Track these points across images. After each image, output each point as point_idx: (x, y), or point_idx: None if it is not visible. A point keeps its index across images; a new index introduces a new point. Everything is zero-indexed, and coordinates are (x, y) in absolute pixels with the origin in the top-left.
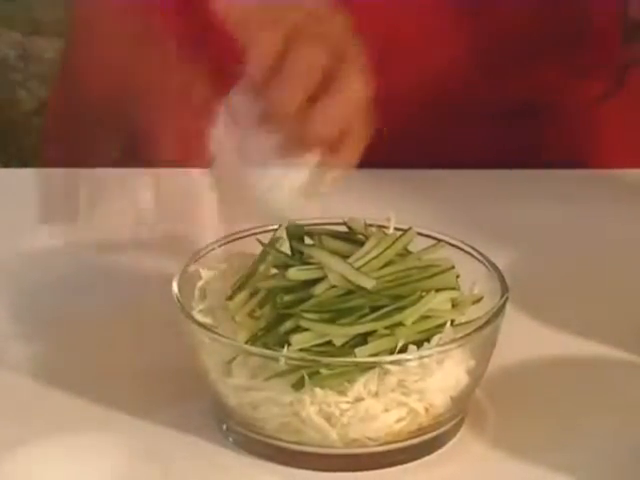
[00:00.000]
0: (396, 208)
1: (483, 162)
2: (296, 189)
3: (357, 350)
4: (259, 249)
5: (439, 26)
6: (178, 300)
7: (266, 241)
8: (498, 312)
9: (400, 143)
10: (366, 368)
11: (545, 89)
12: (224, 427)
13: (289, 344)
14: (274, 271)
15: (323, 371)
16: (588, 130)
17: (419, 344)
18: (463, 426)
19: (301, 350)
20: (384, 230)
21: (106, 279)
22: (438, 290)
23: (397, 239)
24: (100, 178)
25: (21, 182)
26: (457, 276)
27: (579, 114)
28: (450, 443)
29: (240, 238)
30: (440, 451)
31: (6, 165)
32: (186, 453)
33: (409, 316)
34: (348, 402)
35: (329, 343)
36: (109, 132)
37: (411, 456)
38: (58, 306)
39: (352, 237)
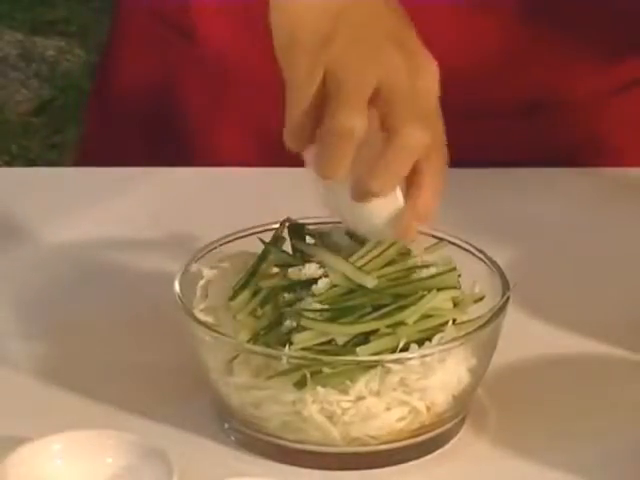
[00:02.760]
0: None
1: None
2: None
3: (359, 349)
4: (261, 248)
5: (441, 21)
6: (180, 299)
7: (267, 240)
8: (499, 311)
9: None
10: (368, 367)
11: (552, 86)
12: (226, 426)
13: (291, 343)
14: (275, 270)
15: (325, 370)
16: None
17: (421, 343)
18: (464, 425)
19: (303, 349)
20: None
21: (107, 278)
22: (439, 289)
23: None
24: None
25: (23, 181)
26: (458, 275)
27: (591, 111)
28: (451, 442)
29: (241, 237)
30: (441, 450)
31: (8, 164)
32: (188, 452)
33: (411, 315)
34: (350, 401)
35: (331, 342)
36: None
37: (413, 455)
38: (59, 305)
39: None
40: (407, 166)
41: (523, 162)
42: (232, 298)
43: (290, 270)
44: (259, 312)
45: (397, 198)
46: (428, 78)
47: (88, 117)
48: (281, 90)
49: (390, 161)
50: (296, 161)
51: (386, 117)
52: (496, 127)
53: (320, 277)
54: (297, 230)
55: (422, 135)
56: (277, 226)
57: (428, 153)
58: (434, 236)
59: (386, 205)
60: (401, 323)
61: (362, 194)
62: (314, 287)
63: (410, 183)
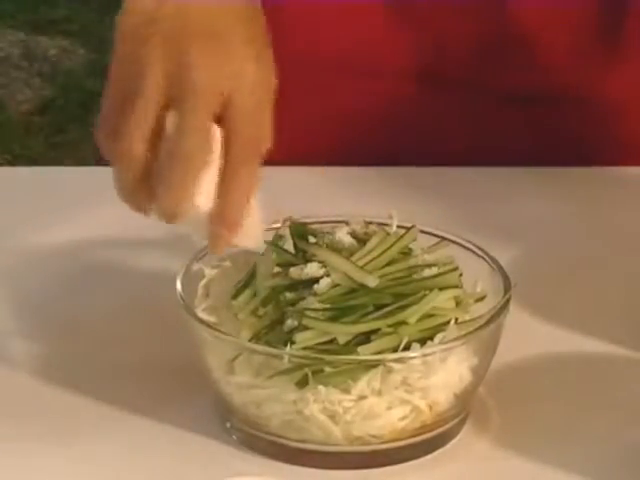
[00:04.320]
0: (398, 206)
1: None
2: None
3: (360, 348)
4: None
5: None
6: (181, 298)
7: (269, 239)
8: (501, 310)
9: (406, 139)
10: (370, 366)
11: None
12: (228, 425)
13: (292, 342)
14: (277, 269)
15: (327, 369)
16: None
17: (422, 342)
18: (466, 423)
19: (304, 348)
20: (387, 228)
21: (109, 277)
22: (441, 288)
23: (400, 237)
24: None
25: (25, 181)
26: (460, 274)
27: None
28: (453, 441)
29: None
30: (443, 449)
31: (10, 164)
32: (189, 451)
33: (412, 314)
34: (351, 400)
35: (333, 341)
36: None
37: (414, 454)
38: (59, 305)
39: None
40: (190, 178)
41: (541, 160)
42: (234, 297)
43: (292, 269)
44: (261, 311)
45: (202, 208)
46: (234, 83)
47: None
48: (286, 90)
49: (172, 174)
50: (298, 160)
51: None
52: (520, 120)
53: (322, 276)
54: (299, 229)
55: (195, 144)
56: (279, 225)
57: (229, 162)
58: (436, 235)
59: (194, 216)
60: (403, 322)
61: (163, 215)
62: (316, 286)
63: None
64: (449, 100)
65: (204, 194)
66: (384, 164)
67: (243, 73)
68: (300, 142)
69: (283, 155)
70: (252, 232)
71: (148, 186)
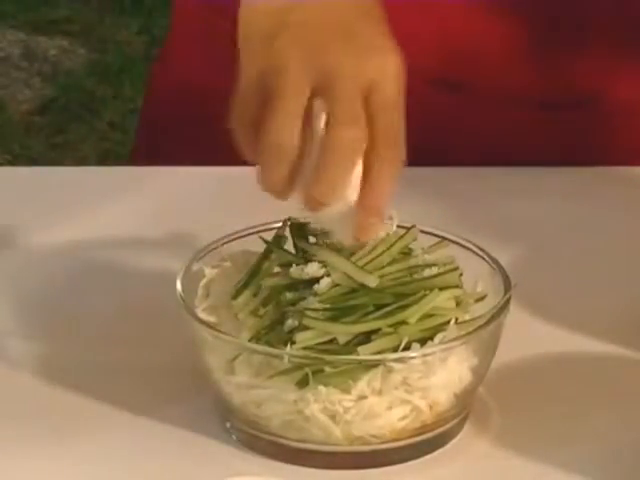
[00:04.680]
0: (398, 206)
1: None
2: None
3: (360, 348)
4: (262, 247)
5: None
6: (181, 298)
7: (269, 239)
8: (501, 310)
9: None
10: (370, 366)
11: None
12: (228, 425)
13: (293, 342)
14: (278, 269)
15: (327, 369)
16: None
17: (422, 342)
18: (466, 423)
19: (305, 348)
20: (387, 228)
21: (109, 277)
22: (441, 288)
23: (400, 237)
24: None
25: (25, 181)
26: (460, 274)
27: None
28: (453, 441)
29: (243, 236)
30: (443, 449)
31: (11, 164)
32: (189, 451)
33: (413, 314)
34: (352, 400)
35: (333, 341)
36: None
37: (414, 454)
38: (59, 305)
39: None
40: (344, 167)
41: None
42: (234, 297)
43: (292, 269)
44: (261, 311)
45: (349, 199)
46: (379, 70)
47: (141, 118)
48: None
49: (324, 166)
50: None
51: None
52: (525, 120)
53: (322, 276)
54: (299, 229)
55: (352, 133)
56: (279, 225)
57: (376, 147)
58: (436, 235)
59: (340, 207)
60: (403, 322)
61: (310, 205)
62: (316, 286)
63: (362, 179)
64: (453, 101)
65: (351, 186)
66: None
67: (387, 63)
68: None
69: None
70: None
71: (293, 175)
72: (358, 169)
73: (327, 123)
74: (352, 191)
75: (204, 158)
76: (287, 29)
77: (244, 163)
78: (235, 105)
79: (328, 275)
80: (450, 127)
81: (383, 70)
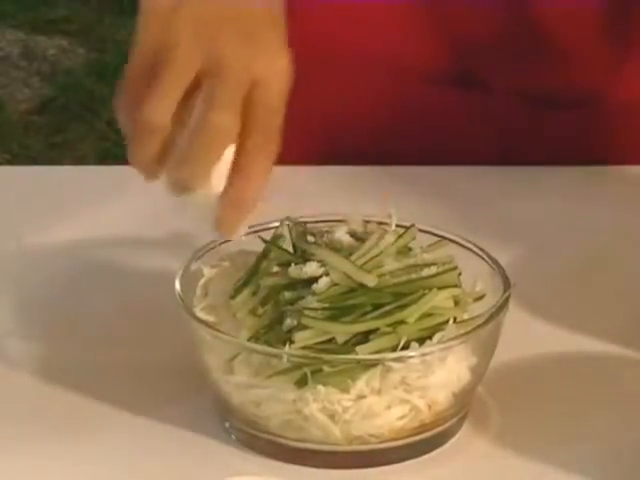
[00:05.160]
0: (397, 205)
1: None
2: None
3: (359, 348)
4: (261, 247)
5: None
6: (180, 298)
7: (268, 238)
8: (500, 309)
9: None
10: (368, 365)
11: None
12: (227, 425)
13: (291, 342)
14: (276, 269)
15: (326, 368)
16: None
17: (421, 341)
18: (465, 423)
19: (303, 347)
20: (385, 227)
21: (108, 277)
22: (440, 288)
23: (399, 236)
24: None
25: (24, 180)
26: (459, 273)
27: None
28: (452, 440)
29: (242, 235)
30: (442, 448)
31: (10, 163)
32: (189, 451)
33: (411, 314)
34: (351, 399)
35: (331, 341)
36: None
37: (413, 453)
38: (59, 305)
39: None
40: (213, 152)
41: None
42: (233, 297)
43: (291, 269)
44: (260, 311)
45: (216, 188)
46: (266, 68)
47: None
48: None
49: (195, 148)
50: (298, 159)
51: (204, 102)
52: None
53: (321, 276)
54: (298, 229)
55: (229, 119)
56: (278, 224)
57: (251, 140)
58: (435, 234)
59: (206, 195)
60: (402, 322)
61: (175, 186)
62: (315, 286)
63: (232, 169)
64: (454, 100)
65: (218, 175)
66: (385, 163)
67: (275, 58)
68: (299, 142)
69: (281, 155)
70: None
71: (163, 155)
72: (228, 159)
73: (204, 107)
74: (220, 181)
75: None
76: (185, 7)
77: None
78: (124, 79)
79: (327, 274)
80: (451, 127)
81: (272, 68)
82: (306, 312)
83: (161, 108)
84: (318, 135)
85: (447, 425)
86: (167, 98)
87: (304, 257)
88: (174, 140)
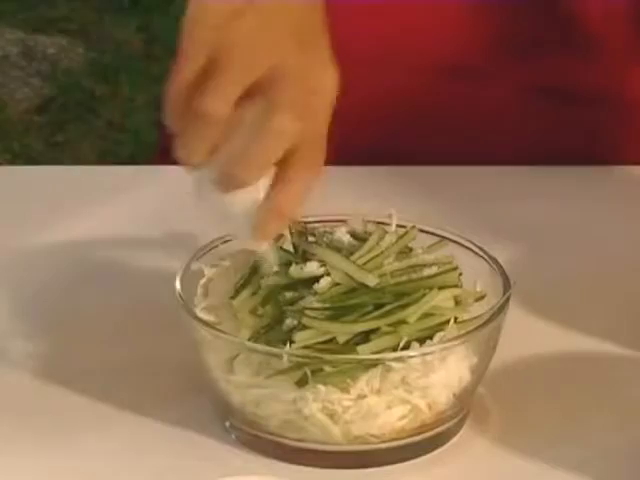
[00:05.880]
0: (398, 205)
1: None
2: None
3: (360, 347)
4: None
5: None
6: (181, 297)
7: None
8: (500, 309)
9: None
10: (369, 365)
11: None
12: (227, 424)
13: (292, 341)
14: (277, 268)
15: (326, 368)
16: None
17: (422, 341)
18: (466, 423)
19: (304, 347)
20: (386, 227)
21: (109, 277)
22: (441, 288)
23: (400, 236)
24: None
25: (25, 180)
26: (460, 274)
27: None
28: (452, 440)
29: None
30: (442, 448)
31: (10, 163)
32: (189, 450)
33: (412, 314)
34: (351, 399)
35: (332, 340)
36: None
37: (414, 453)
38: (59, 305)
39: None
40: (272, 153)
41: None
42: (233, 296)
43: (291, 268)
44: (260, 310)
45: (259, 192)
46: (322, 78)
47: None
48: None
49: (255, 146)
50: None
51: (265, 104)
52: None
53: (321, 275)
54: (298, 228)
55: (292, 123)
56: None
57: (300, 149)
58: (435, 234)
59: (247, 199)
60: (402, 322)
61: (224, 181)
62: (315, 285)
63: (276, 178)
64: (454, 100)
65: (263, 181)
66: (386, 163)
67: (329, 67)
68: None
69: None
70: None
71: (214, 148)
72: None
73: (266, 109)
74: (264, 187)
75: None
76: (248, 13)
77: None
78: (176, 73)
79: (327, 274)
80: (451, 127)
81: (327, 77)
82: (307, 312)
83: (222, 100)
84: None
85: (448, 425)
86: (228, 92)
87: (305, 257)
88: (226, 136)
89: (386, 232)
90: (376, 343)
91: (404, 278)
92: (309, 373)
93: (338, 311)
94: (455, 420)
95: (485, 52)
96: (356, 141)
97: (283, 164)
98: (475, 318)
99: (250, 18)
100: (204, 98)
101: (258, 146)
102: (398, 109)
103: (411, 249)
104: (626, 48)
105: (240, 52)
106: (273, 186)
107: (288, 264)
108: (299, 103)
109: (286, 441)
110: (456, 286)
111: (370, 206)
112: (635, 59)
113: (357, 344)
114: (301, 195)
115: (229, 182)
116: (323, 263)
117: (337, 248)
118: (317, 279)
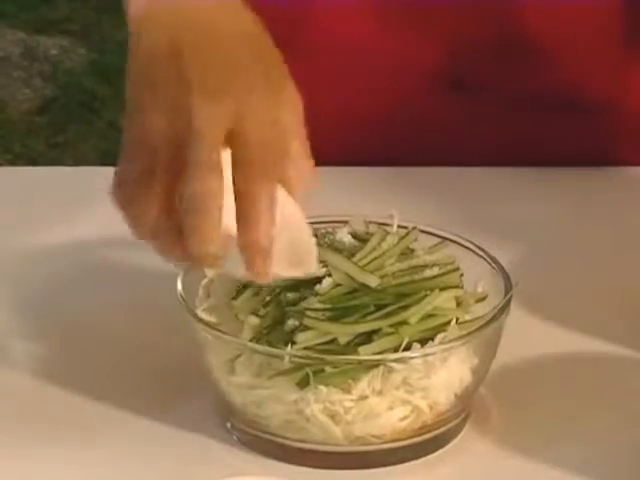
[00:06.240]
0: (399, 206)
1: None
2: None
3: (361, 348)
4: None
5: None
6: (182, 298)
7: None
8: (502, 310)
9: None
10: (370, 366)
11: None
12: (228, 425)
13: (293, 342)
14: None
15: (327, 369)
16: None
17: (423, 342)
18: (467, 424)
19: (305, 348)
20: (387, 228)
21: (109, 277)
22: (442, 289)
23: (401, 237)
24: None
25: (26, 181)
26: (461, 274)
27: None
28: (454, 441)
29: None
30: (444, 449)
31: (11, 163)
32: (190, 451)
33: (413, 314)
34: (352, 400)
35: (333, 341)
36: None
37: (415, 454)
38: (59, 305)
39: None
40: (269, 216)
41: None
42: (235, 297)
43: None
44: (262, 311)
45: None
46: (292, 119)
47: None
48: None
49: (250, 215)
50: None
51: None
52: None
53: (323, 276)
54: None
55: (266, 188)
56: None
57: (254, 185)
58: (437, 235)
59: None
60: (404, 322)
61: (252, 252)
62: (317, 286)
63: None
64: (454, 100)
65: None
66: (386, 164)
67: (295, 109)
68: None
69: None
70: (305, 258)
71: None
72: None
73: (238, 173)
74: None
75: None
76: (187, 69)
77: None
78: (118, 171)
79: (329, 275)
80: (451, 127)
81: (290, 118)
82: (308, 313)
83: (214, 175)
84: (318, 136)
85: (449, 426)
86: (213, 166)
87: None
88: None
89: (387, 233)
90: (377, 344)
91: (405, 279)
92: (310, 374)
93: (339, 312)
94: (456, 421)
95: (482, 58)
96: (356, 142)
97: (238, 203)
98: (476, 319)
99: (190, 74)
100: (194, 181)
101: (255, 216)
102: (397, 113)
103: (412, 250)
104: (622, 53)
105: (200, 140)
106: (238, 228)
107: None
108: (269, 159)
109: (287, 442)
110: (457, 287)
111: (371, 207)
112: (631, 63)
113: (358, 345)
114: (265, 222)
115: (199, 259)
116: (325, 264)
117: (338, 249)
118: (319, 280)
